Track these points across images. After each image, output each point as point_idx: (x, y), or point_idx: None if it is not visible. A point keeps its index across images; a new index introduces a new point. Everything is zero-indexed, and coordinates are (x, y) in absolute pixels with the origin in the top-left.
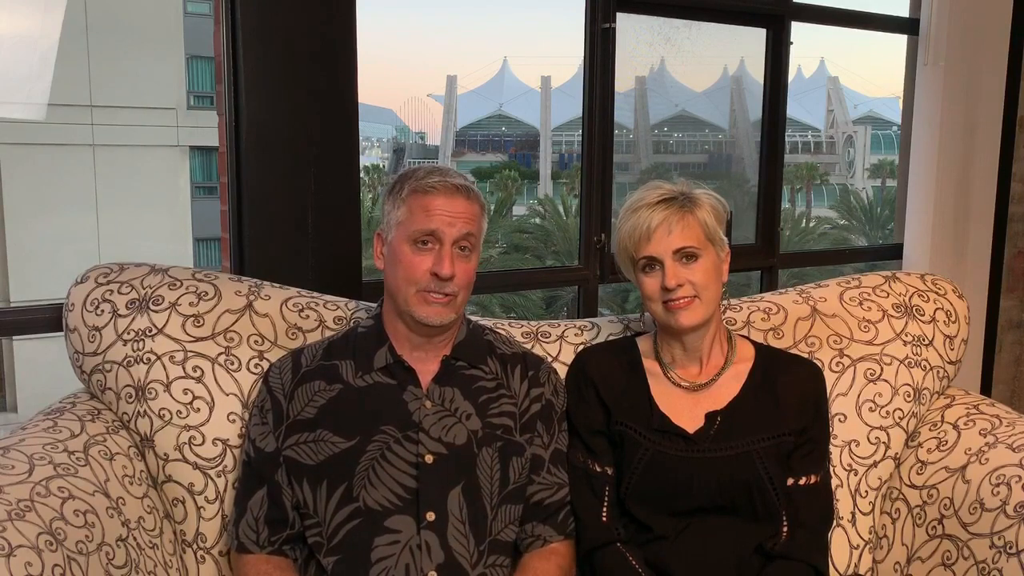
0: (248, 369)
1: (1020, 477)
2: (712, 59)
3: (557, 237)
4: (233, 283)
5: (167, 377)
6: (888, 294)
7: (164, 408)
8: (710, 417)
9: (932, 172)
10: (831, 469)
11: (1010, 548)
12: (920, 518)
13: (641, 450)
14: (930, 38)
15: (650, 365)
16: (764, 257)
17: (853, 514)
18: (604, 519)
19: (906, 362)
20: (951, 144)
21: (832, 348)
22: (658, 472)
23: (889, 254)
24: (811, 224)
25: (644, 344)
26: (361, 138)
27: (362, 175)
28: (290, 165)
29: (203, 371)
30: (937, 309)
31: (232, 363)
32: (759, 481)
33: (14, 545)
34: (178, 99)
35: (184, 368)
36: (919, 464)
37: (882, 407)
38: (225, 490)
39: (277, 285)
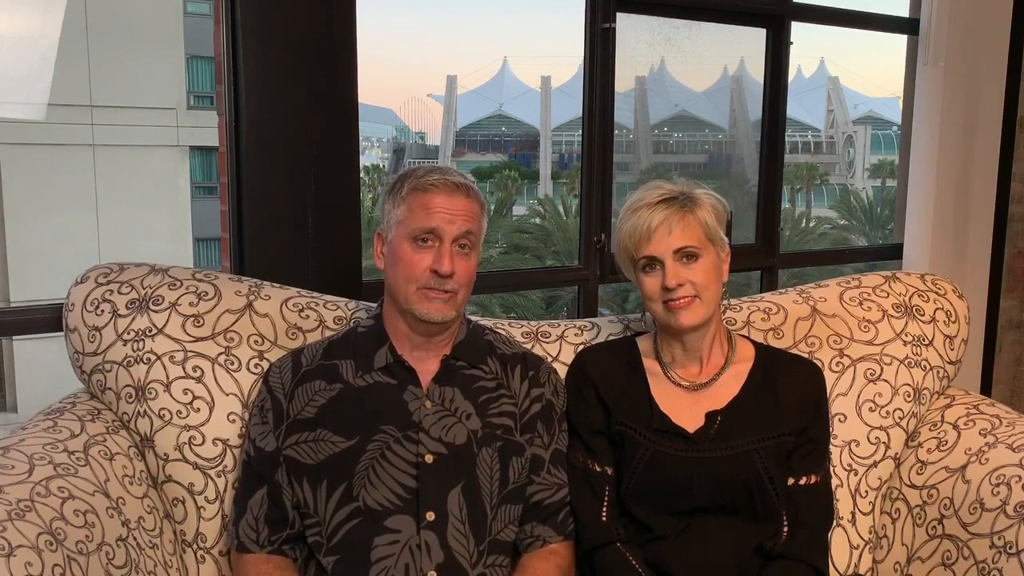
0: (248, 369)
1: (1020, 477)
2: (712, 59)
3: (557, 237)
4: (233, 283)
5: (167, 377)
6: (888, 294)
7: (164, 408)
8: (710, 417)
9: (932, 172)
10: (831, 469)
11: (1010, 548)
12: (920, 518)
13: (641, 450)
14: (930, 38)
15: (650, 365)
16: (764, 257)
17: (853, 514)
18: (604, 519)
19: (906, 362)
20: (951, 144)
21: (832, 348)
22: (658, 472)
23: (889, 254)
24: (811, 224)
25: (644, 344)
26: (361, 138)
27: (362, 175)
28: (290, 165)
29: (203, 371)
30: (937, 309)
31: (232, 363)
32: (759, 481)
33: (14, 545)
34: (178, 99)
35: (184, 368)
36: (919, 464)
37: (882, 407)
38: (225, 490)
39: (277, 285)
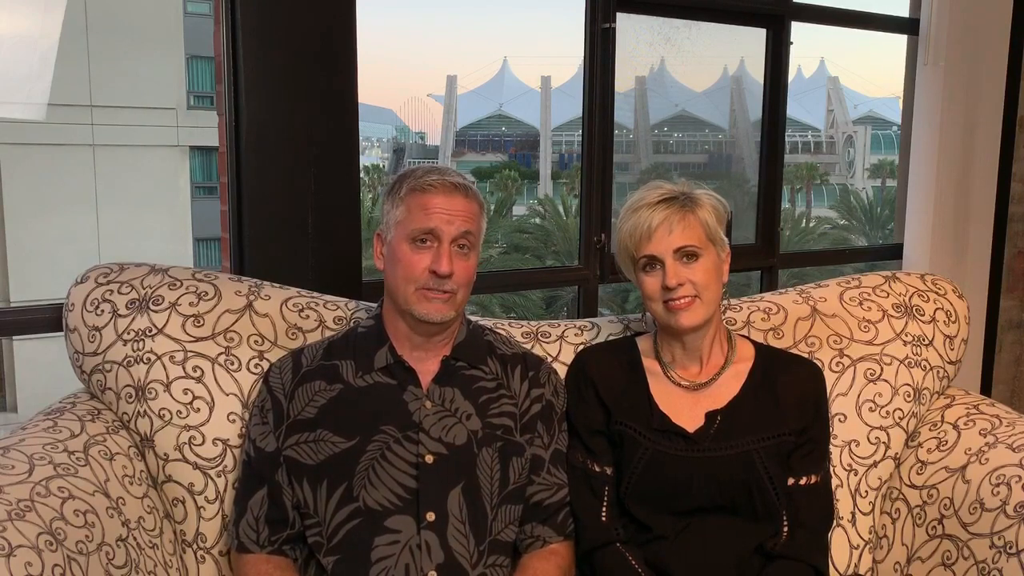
0: (248, 369)
1: (1020, 477)
2: (712, 59)
3: (557, 237)
4: (233, 283)
5: (167, 377)
6: (888, 294)
7: (164, 408)
8: (710, 416)
9: (932, 172)
10: (831, 469)
11: (1010, 548)
12: (920, 518)
13: (641, 450)
14: (930, 38)
15: (650, 364)
16: (764, 257)
17: (853, 514)
18: (603, 519)
19: (906, 362)
20: (951, 144)
21: (832, 348)
22: (658, 472)
23: (889, 254)
24: (811, 224)
25: (644, 344)
26: (361, 138)
27: (362, 175)
28: (290, 165)
29: (203, 371)
30: (937, 309)
31: (232, 363)
32: (759, 481)
33: (14, 545)
34: (178, 99)
35: (184, 368)
36: (919, 464)
37: (882, 407)
38: (225, 490)
39: (277, 285)
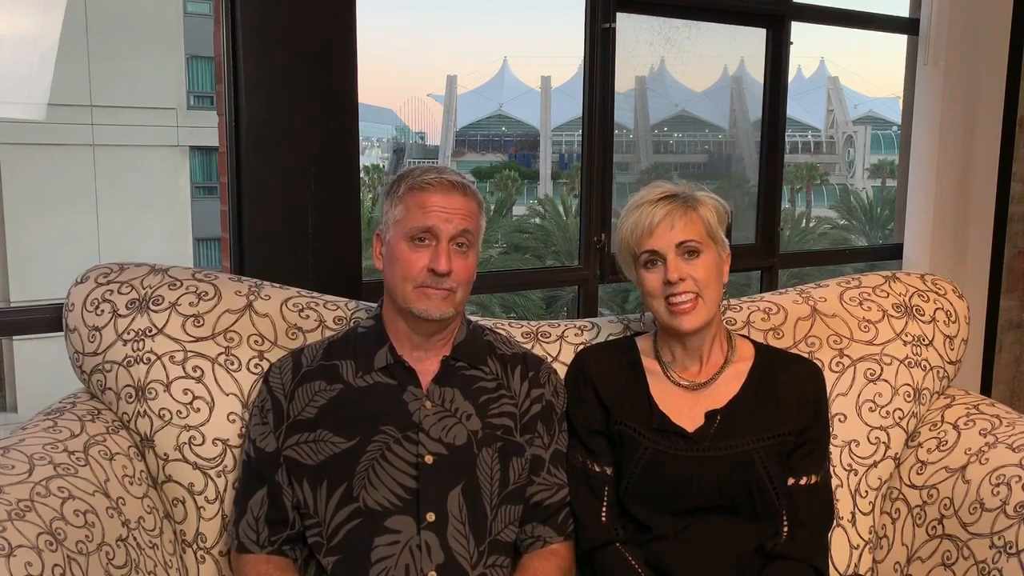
0: (248, 369)
1: (1020, 477)
2: (712, 59)
3: (557, 237)
4: (233, 283)
5: (167, 377)
6: (888, 294)
7: (164, 408)
8: (710, 416)
9: (932, 172)
10: (831, 469)
11: (1010, 548)
12: (920, 518)
13: (640, 449)
14: (930, 38)
15: (649, 364)
16: (764, 257)
17: (853, 514)
18: (603, 519)
19: (906, 362)
20: (951, 144)
21: (832, 348)
22: (657, 471)
23: (889, 254)
24: (811, 224)
25: (643, 343)
26: (361, 138)
27: (362, 175)
28: (290, 165)
29: (203, 371)
30: (937, 309)
31: (232, 363)
32: (759, 481)
33: (14, 545)
34: (178, 99)
35: (184, 368)
36: (919, 464)
37: (882, 407)
38: (225, 490)
39: (277, 285)
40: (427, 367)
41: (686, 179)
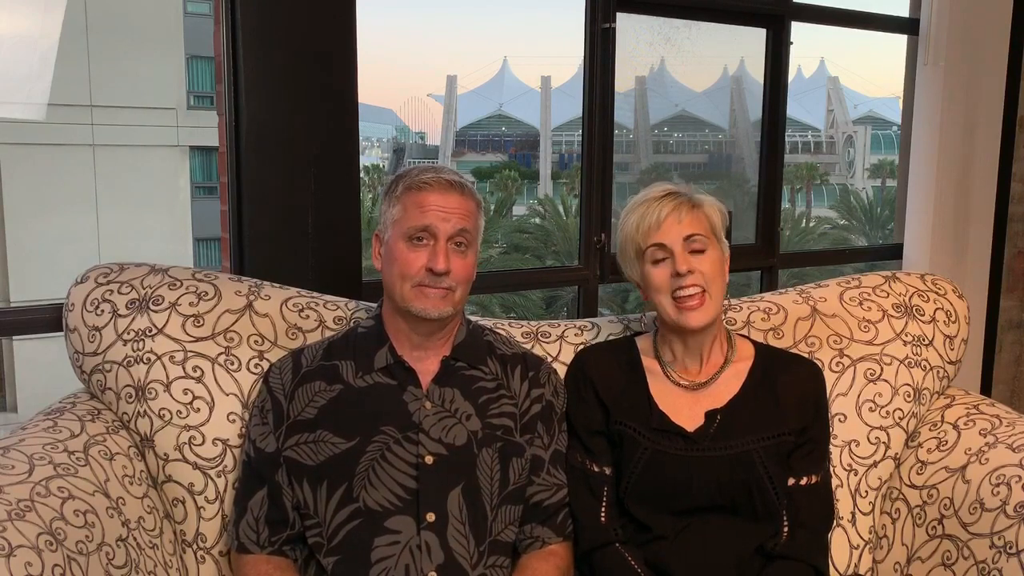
0: (248, 369)
1: (1020, 477)
2: (712, 59)
3: (557, 237)
4: (233, 283)
5: (167, 377)
6: (888, 294)
7: (164, 408)
8: (710, 416)
9: (932, 172)
10: (831, 469)
11: (1010, 548)
12: (920, 518)
13: (640, 449)
14: (930, 38)
15: (649, 364)
16: (764, 257)
17: (853, 514)
18: (602, 520)
19: (906, 362)
20: (951, 144)
21: (832, 348)
22: (657, 471)
23: (889, 254)
24: (811, 224)
25: (643, 343)
26: (361, 138)
27: (362, 175)
28: (290, 165)
29: (203, 371)
30: (937, 309)
31: (232, 363)
32: (759, 481)
33: (14, 545)
34: (178, 99)
35: (184, 368)
36: (919, 464)
37: (882, 407)
38: (225, 490)
39: (277, 285)
40: (427, 367)
41: (686, 179)
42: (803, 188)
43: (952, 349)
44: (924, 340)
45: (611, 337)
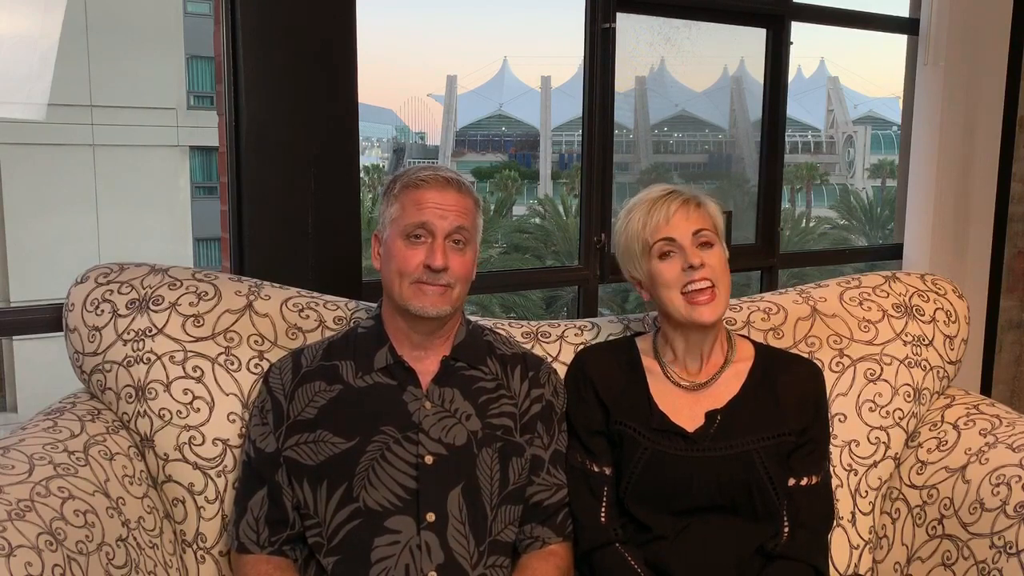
0: (248, 369)
1: (1020, 477)
2: (712, 59)
3: (557, 237)
4: (233, 283)
5: (167, 377)
6: (888, 294)
7: (164, 408)
8: (710, 416)
9: (932, 172)
10: (831, 469)
11: (1010, 548)
12: (920, 518)
13: (640, 449)
14: (930, 38)
15: (649, 364)
16: (764, 257)
17: (853, 514)
18: (602, 520)
19: (906, 362)
20: (951, 144)
21: (832, 348)
22: (657, 471)
23: (889, 254)
24: (811, 224)
25: (643, 343)
26: (361, 138)
27: (362, 175)
28: (290, 165)
29: (203, 371)
30: (937, 309)
31: (232, 363)
32: (759, 481)
33: (14, 545)
34: (178, 99)
35: (184, 368)
36: (919, 464)
37: (882, 407)
38: (225, 490)
39: (277, 285)
40: (427, 367)
41: (686, 179)
42: (803, 188)
43: (952, 349)
44: (924, 340)
45: (611, 337)
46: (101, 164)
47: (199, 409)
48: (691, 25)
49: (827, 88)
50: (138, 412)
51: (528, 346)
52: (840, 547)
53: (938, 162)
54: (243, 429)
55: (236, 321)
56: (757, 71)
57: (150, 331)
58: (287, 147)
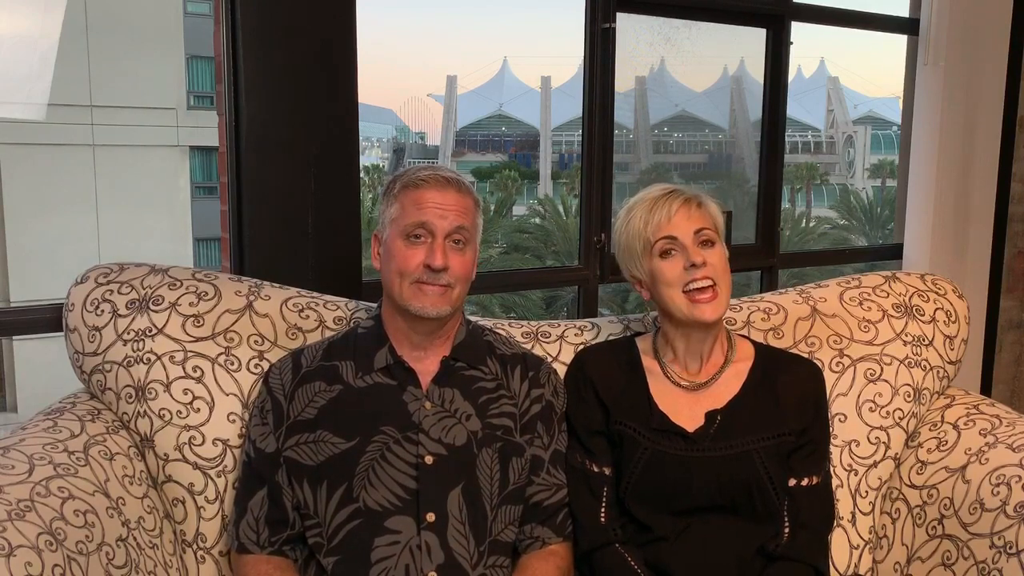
0: (248, 369)
1: (1020, 477)
2: (712, 59)
3: (557, 237)
4: (233, 283)
5: (167, 377)
6: (888, 294)
7: (164, 408)
8: (710, 416)
9: (932, 172)
10: (831, 469)
11: (1010, 548)
12: (920, 518)
13: (640, 449)
14: (930, 38)
15: (649, 364)
16: (764, 257)
17: (853, 514)
18: (602, 520)
19: (906, 362)
20: (951, 144)
21: (832, 348)
22: (657, 471)
23: (889, 254)
24: (811, 224)
25: (643, 343)
26: (361, 138)
27: (362, 175)
28: (290, 165)
29: (203, 371)
30: (937, 309)
31: (232, 363)
32: (759, 481)
33: (14, 545)
34: (178, 99)
35: (184, 368)
36: (919, 464)
37: (882, 407)
38: (225, 490)
39: (277, 285)
40: (427, 367)
41: (686, 179)
42: (803, 188)
43: (952, 349)
44: (924, 340)
45: (611, 337)
46: (101, 164)
47: (199, 409)
48: (691, 25)
49: (827, 88)
50: (138, 412)
51: (528, 346)
52: (840, 547)
53: (938, 162)
54: (243, 429)
55: (236, 321)
56: (757, 71)
57: (150, 331)
58: (287, 147)
